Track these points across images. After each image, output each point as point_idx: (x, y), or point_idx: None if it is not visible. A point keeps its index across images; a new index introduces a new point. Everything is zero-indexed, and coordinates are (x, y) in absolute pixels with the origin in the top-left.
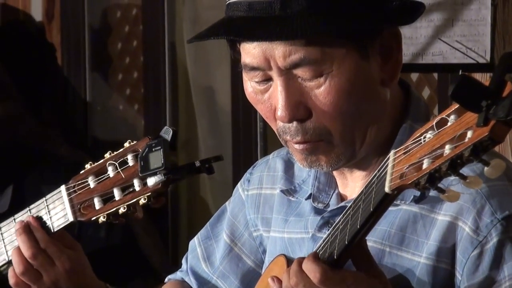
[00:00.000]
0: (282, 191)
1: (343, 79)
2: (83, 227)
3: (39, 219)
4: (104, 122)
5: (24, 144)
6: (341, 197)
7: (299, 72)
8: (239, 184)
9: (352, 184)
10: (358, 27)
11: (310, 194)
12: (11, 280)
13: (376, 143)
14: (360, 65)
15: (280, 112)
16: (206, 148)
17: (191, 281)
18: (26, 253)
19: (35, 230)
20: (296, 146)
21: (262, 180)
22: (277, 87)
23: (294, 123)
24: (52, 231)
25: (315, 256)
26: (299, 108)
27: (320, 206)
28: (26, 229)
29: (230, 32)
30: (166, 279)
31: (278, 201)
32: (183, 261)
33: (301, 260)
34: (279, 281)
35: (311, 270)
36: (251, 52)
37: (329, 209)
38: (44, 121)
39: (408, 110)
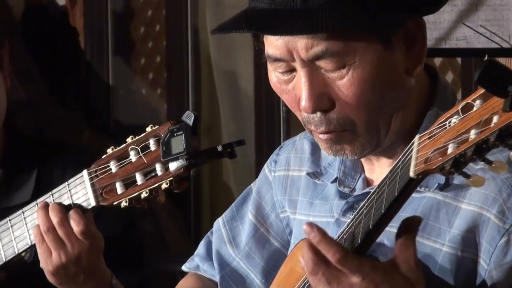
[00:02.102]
0: (308, 173)
1: (366, 70)
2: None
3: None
4: (127, 106)
5: (47, 129)
6: (367, 182)
7: (322, 63)
8: (265, 165)
9: (378, 170)
10: (381, 20)
11: (336, 177)
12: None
13: (402, 131)
14: (384, 55)
15: (304, 103)
16: (228, 133)
17: (208, 266)
18: (42, 227)
19: (50, 209)
20: (321, 136)
21: (290, 162)
22: (301, 78)
23: (318, 114)
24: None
25: (331, 239)
26: (323, 99)
27: (346, 190)
28: (46, 206)
29: (252, 25)
30: (184, 268)
31: (304, 184)
32: (202, 244)
33: (310, 243)
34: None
35: (329, 250)
36: (274, 43)
37: (354, 193)
38: (67, 105)
39: (435, 97)
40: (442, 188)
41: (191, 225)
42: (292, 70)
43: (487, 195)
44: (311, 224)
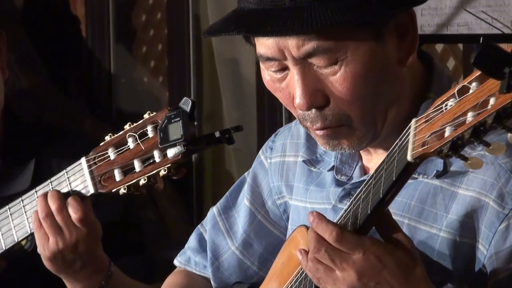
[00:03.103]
0: (304, 161)
1: (358, 64)
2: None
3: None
4: (128, 94)
5: (49, 117)
6: (365, 170)
7: (314, 60)
8: (260, 152)
9: (376, 159)
10: (371, 14)
11: (333, 166)
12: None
13: (399, 120)
14: (375, 49)
15: (298, 100)
16: (230, 120)
17: (200, 258)
18: (40, 214)
19: (49, 196)
20: (317, 132)
21: (286, 148)
22: (294, 76)
23: (313, 110)
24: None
25: (328, 220)
26: (317, 95)
27: (343, 178)
28: (45, 193)
29: (242, 27)
30: (175, 262)
31: (299, 169)
32: (193, 236)
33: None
34: (306, 253)
35: (326, 230)
36: (265, 43)
37: (352, 181)
38: (69, 94)
39: (431, 84)
40: (440, 175)
41: (194, 213)
42: (284, 68)
43: (485, 180)
44: (310, 212)
